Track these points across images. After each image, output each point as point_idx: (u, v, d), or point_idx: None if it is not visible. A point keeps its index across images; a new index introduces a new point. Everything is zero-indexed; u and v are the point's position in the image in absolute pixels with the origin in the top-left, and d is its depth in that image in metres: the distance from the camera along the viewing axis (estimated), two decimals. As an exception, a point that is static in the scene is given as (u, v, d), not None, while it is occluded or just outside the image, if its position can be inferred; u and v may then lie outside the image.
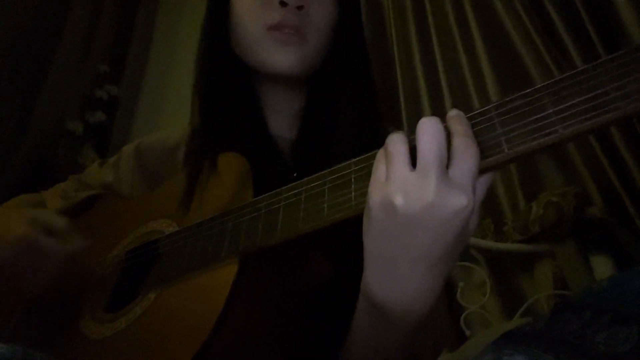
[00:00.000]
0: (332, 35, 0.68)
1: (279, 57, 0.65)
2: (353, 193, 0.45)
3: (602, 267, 1.28)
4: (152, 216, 0.67)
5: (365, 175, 0.46)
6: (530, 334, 0.40)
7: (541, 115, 0.39)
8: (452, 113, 0.43)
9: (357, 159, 0.48)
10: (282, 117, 0.72)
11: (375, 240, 0.43)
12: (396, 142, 0.41)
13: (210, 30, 0.72)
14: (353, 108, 0.68)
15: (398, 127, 1.80)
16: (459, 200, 0.39)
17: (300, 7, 0.64)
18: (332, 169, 0.49)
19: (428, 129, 0.40)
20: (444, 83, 1.66)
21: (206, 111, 0.72)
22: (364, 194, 0.44)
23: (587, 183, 1.39)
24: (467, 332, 1.35)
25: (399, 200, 0.39)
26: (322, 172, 0.50)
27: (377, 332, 0.50)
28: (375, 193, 0.41)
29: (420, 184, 0.39)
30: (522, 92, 0.41)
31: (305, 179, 0.51)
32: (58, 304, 0.67)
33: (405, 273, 0.43)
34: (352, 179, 0.46)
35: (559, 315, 0.40)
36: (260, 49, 0.66)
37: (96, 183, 0.81)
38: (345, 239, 0.59)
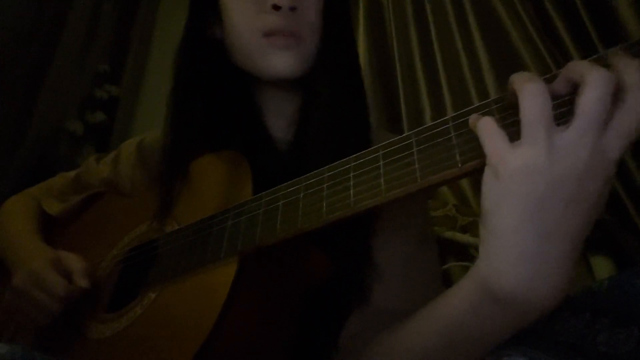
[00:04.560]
0: (323, 26, 0.67)
1: (279, 62, 0.64)
2: (352, 190, 0.45)
3: (602, 267, 1.28)
4: (152, 214, 0.67)
5: (364, 172, 0.45)
6: (530, 335, 0.40)
7: None
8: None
9: (355, 155, 0.47)
10: (279, 118, 0.72)
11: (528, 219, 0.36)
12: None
13: (196, 36, 0.71)
14: (345, 101, 0.67)
15: (398, 126, 1.78)
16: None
17: (293, 9, 0.63)
18: (330, 165, 0.49)
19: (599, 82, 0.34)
20: (444, 83, 1.66)
21: (199, 113, 0.70)
22: (361, 192, 0.44)
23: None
24: (467, 332, 1.34)
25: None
26: (321, 169, 0.50)
27: (481, 328, 0.42)
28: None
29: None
30: None
31: (304, 176, 0.51)
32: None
33: (558, 256, 0.36)
34: (351, 177, 0.46)
35: (559, 316, 0.40)
36: (259, 56, 0.65)
37: (96, 181, 0.81)
38: (345, 235, 0.59)
